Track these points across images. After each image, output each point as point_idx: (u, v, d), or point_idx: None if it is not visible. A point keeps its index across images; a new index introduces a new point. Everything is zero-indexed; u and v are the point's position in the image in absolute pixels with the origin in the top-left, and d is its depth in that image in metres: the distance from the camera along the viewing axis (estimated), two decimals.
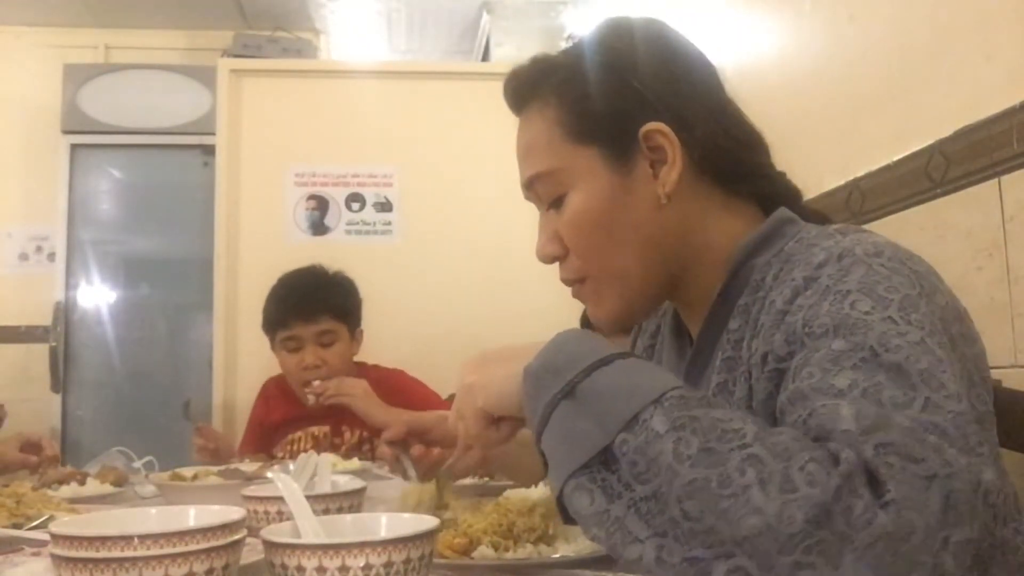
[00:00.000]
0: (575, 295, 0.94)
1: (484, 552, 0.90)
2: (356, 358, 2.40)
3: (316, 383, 2.01)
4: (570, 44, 0.93)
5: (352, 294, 2.36)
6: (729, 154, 0.89)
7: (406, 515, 0.82)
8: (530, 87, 0.92)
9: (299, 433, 2.25)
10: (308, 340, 2.22)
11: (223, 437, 2.24)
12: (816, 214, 0.93)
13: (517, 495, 0.96)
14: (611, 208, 0.88)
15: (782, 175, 0.95)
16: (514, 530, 0.91)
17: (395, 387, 2.33)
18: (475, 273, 3.06)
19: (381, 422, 2.00)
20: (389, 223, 3.11)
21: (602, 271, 0.90)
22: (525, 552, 0.90)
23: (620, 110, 0.88)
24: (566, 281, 0.94)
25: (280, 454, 2.18)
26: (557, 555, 0.89)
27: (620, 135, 0.88)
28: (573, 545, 0.91)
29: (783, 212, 0.88)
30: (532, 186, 0.93)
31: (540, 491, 0.95)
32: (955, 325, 0.74)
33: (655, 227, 0.88)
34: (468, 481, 1.47)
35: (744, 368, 0.80)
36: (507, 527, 0.91)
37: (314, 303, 2.24)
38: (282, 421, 2.30)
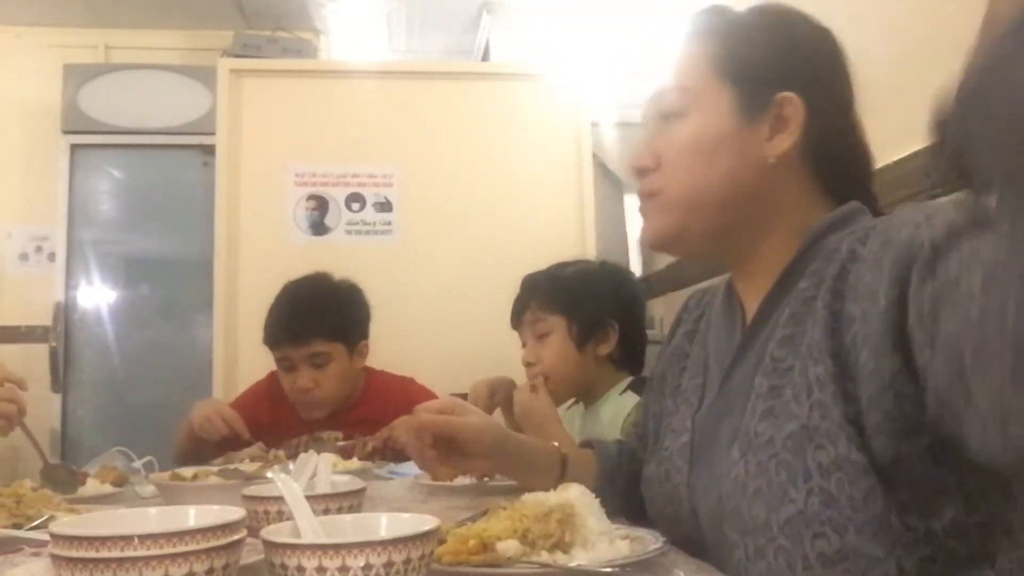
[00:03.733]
0: (641, 210, 1.01)
1: (508, 546, 0.84)
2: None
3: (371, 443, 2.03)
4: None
5: (351, 310, 2.26)
6: (839, 155, 0.97)
7: (406, 515, 0.81)
8: (703, 23, 1.01)
9: (304, 436, 2.21)
10: (300, 362, 2.15)
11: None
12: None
13: (533, 499, 0.91)
14: (720, 144, 0.95)
15: (874, 198, 1.00)
16: (529, 536, 0.86)
17: (405, 394, 2.28)
18: (475, 273, 3.06)
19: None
20: (389, 223, 3.11)
21: (680, 189, 0.97)
22: (539, 560, 0.84)
23: (769, 68, 0.96)
24: (642, 194, 1.01)
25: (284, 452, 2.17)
26: (574, 563, 0.84)
27: (759, 90, 0.95)
28: (590, 553, 0.86)
29: (856, 203, 0.95)
30: (661, 96, 1.00)
31: (557, 495, 0.92)
32: None
33: (748, 181, 0.95)
34: (466, 481, 1.47)
35: (817, 318, 0.83)
36: (522, 533, 0.86)
37: (304, 326, 2.14)
38: (290, 421, 2.25)
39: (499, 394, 1.96)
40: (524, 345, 1.92)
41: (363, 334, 2.28)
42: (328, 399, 2.20)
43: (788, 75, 0.95)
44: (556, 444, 1.26)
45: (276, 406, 2.27)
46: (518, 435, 1.24)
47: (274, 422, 2.24)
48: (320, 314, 2.18)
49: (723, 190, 0.95)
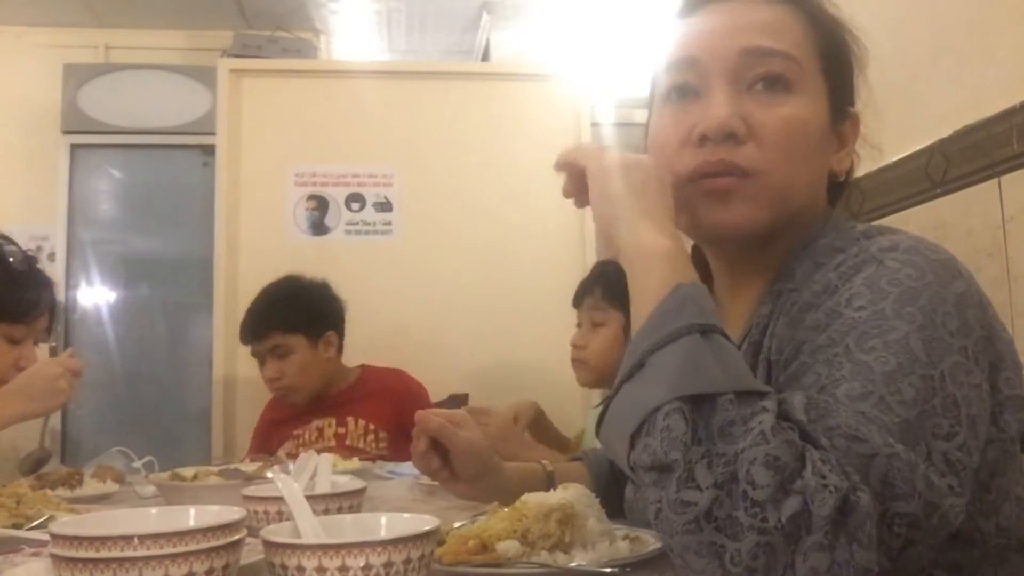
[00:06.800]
0: (722, 184, 0.83)
1: (508, 546, 0.85)
2: (355, 362, 2.42)
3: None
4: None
5: (310, 305, 2.38)
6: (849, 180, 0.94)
7: (406, 515, 0.81)
8: (805, 3, 0.89)
9: (301, 428, 2.28)
10: (265, 355, 2.33)
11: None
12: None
13: (534, 499, 0.90)
14: (819, 140, 0.86)
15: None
16: (529, 536, 0.86)
17: (394, 385, 2.36)
18: (475, 273, 3.06)
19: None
20: (389, 223, 3.11)
21: (781, 177, 0.83)
22: (539, 560, 0.84)
23: (850, 78, 0.90)
24: (730, 166, 0.82)
25: (286, 451, 2.21)
26: (573, 563, 0.84)
27: (842, 99, 0.89)
28: (590, 553, 0.86)
29: (829, 211, 0.91)
30: (760, 55, 0.84)
31: (559, 496, 0.90)
32: (971, 310, 0.73)
33: (819, 192, 0.89)
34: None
35: (764, 356, 0.81)
36: (521, 533, 0.86)
37: (258, 323, 2.35)
38: (289, 417, 2.36)
39: (523, 418, 1.99)
40: (579, 325, 1.98)
41: (329, 326, 2.38)
42: (296, 386, 2.33)
43: (854, 90, 0.90)
44: (544, 462, 1.24)
45: (280, 416, 2.40)
46: (506, 464, 1.21)
47: (283, 424, 2.37)
48: (274, 310, 2.36)
49: (806, 194, 0.86)
